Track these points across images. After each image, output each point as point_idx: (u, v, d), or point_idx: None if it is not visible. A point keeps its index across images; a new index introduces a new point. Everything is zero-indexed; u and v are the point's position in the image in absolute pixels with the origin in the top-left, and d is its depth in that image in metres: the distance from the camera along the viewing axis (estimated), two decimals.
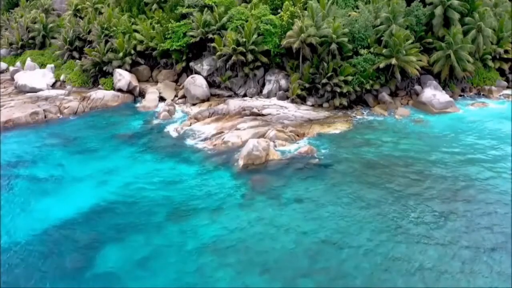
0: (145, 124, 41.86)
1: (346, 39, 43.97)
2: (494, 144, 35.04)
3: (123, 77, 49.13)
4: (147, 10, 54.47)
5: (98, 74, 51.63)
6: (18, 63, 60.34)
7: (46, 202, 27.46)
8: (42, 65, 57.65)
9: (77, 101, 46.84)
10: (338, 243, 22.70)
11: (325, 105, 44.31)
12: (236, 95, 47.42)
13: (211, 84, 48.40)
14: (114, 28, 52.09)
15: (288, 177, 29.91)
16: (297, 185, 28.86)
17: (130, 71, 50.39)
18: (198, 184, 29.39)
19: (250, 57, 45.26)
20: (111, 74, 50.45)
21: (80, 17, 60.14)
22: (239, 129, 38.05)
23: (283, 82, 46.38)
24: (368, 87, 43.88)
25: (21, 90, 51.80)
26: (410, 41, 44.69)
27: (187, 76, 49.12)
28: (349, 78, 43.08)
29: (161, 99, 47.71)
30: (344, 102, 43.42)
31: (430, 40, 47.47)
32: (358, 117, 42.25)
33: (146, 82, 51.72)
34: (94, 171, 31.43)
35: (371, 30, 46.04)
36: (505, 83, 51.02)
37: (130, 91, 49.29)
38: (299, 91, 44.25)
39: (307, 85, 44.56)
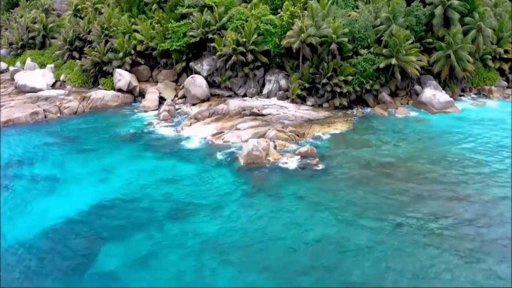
0: (145, 124, 41.86)
1: (346, 39, 43.97)
2: (495, 145, 35.03)
3: (123, 77, 49.14)
4: (147, 10, 54.49)
5: (98, 74, 51.68)
6: (18, 63, 60.43)
7: (46, 201, 27.43)
8: (42, 65, 57.75)
9: (77, 101, 46.88)
10: (338, 241, 22.70)
11: (325, 105, 44.32)
12: (236, 95, 47.41)
13: (211, 84, 48.38)
14: (114, 28, 52.11)
15: (288, 177, 29.93)
16: (297, 185, 28.84)
17: (130, 71, 50.41)
18: (198, 183, 29.41)
19: (250, 57, 45.27)
20: (111, 74, 50.46)
21: (80, 17, 60.19)
22: (239, 129, 38.06)
23: (283, 82, 46.38)
24: (368, 87, 43.90)
25: (21, 90, 51.88)
26: (410, 41, 44.74)
27: (187, 76, 49.10)
28: (349, 78, 43.09)
29: (161, 99, 47.64)
30: (344, 102, 43.42)
31: (430, 40, 47.51)
32: (358, 117, 42.26)
33: (146, 82, 51.72)
34: (94, 170, 31.48)
35: (371, 30, 46.05)
36: (505, 83, 51.05)
37: (130, 91, 49.33)
38: (299, 91, 44.26)
39: (307, 85, 44.56)
